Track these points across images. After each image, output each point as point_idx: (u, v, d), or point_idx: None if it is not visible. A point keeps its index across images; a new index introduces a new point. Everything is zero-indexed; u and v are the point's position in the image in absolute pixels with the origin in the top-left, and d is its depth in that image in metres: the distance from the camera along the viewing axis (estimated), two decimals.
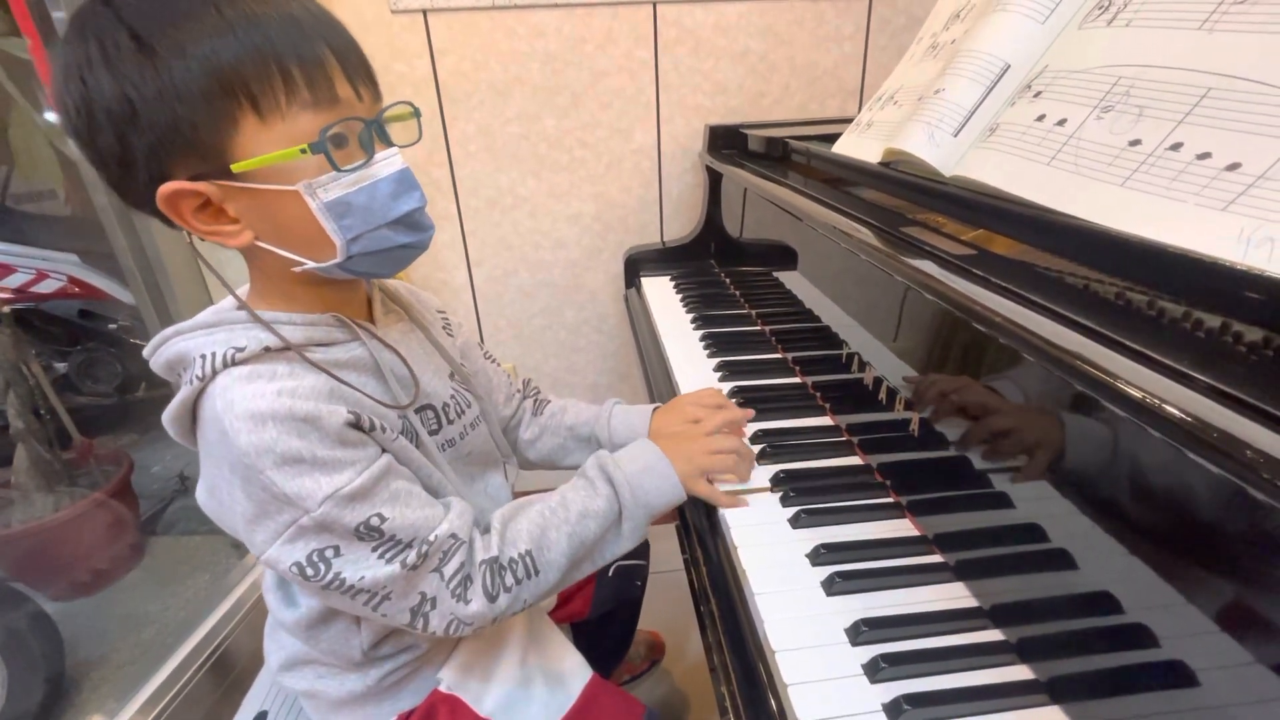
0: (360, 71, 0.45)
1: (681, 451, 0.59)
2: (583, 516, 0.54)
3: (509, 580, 0.51)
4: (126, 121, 0.40)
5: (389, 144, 0.47)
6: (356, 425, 0.46)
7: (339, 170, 0.44)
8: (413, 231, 0.48)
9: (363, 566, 0.45)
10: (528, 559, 0.52)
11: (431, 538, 0.47)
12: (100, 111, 0.40)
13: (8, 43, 1.25)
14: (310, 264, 0.46)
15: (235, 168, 0.42)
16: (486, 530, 0.53)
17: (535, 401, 0.74)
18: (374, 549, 0.46)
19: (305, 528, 0.44)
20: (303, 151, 0.42)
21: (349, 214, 0.45)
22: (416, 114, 0.49)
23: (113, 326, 1.78)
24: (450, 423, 0.58)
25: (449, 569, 0.48)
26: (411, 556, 0.46)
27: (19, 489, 1.25)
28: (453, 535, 0.49)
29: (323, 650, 0.55)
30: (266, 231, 0.45)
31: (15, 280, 1.65)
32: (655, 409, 0.70)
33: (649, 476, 0.57)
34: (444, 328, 0.64)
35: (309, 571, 0.44)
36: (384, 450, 0.48)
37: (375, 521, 0.45)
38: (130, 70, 0.39)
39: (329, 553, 0.45)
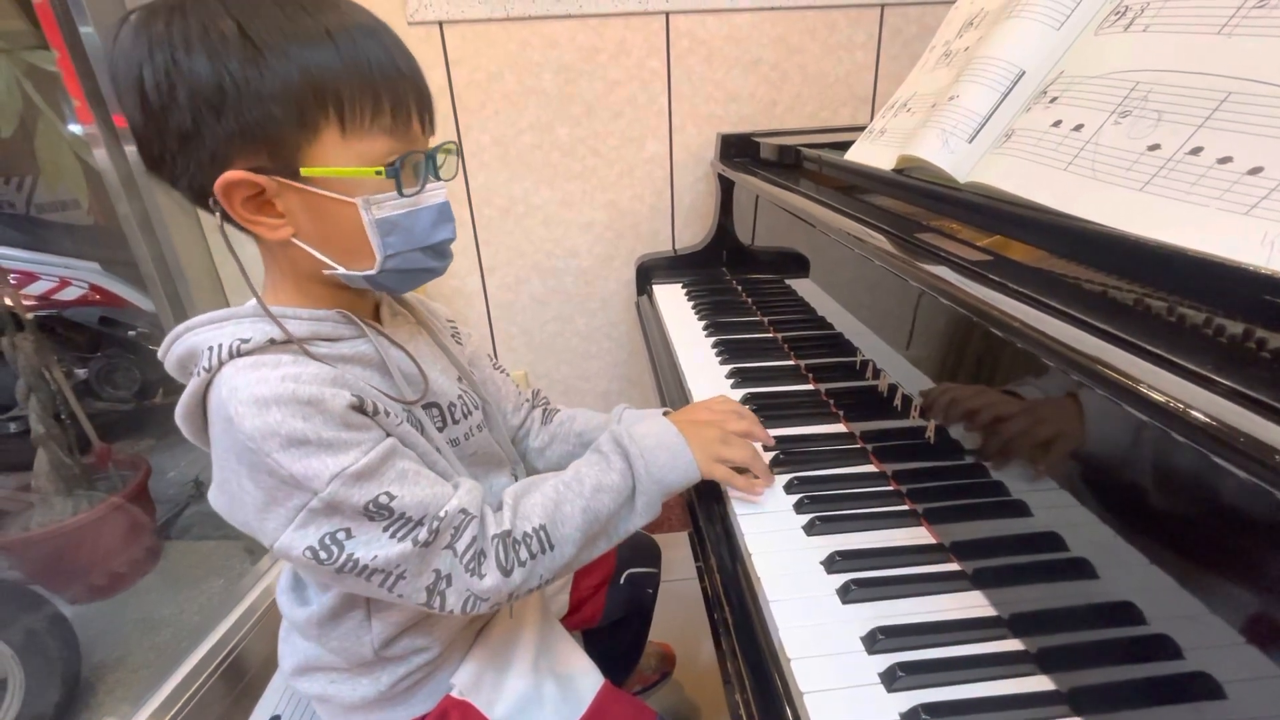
0: (428, 110, 0.49)
1: (698, 434, 0.58)
2: (597, 491, 0.54)
3: (523, 555, 0.51)
4: (211, 107, 0.42)
5: (438, 178, 0.50)
6: (360, 409, 0.47)
7: (403, 195, 0.47)
8: (439, 259, 0.52)
9: (375, 546, 0.45)
10: (542, 533, 0.52)
11: (442, 514, 0.47)
12: (184, 90, 0.41)
13: (35, 55, 1.29)
14: (341, 270, 0.48)
15: (305, 172, 0.44)
16: (499, 507, 0.53)
17: (544, 411, 0.74)
18: (385, 528, 0.46)
19: (315, 510, 0.44)
20: (378, 173, 0.45)
21: (394, 233, 0.48)
22: (460, 153, 0.52)
23: (132, 333, 1.82)
24: (456, 422, 0.58)
25: (461, 544, 0.49)
26: (423, 534, 0.46)
27: (39, 492, 1.27)
28: (463, 510, 0.49)
29: (334, 649, 0.55)
30: (309, 232, 0.47)
31: (39, 287, 1.68)
32: (665, 412, 0.70)
33: (664, 452, 0.56)
34: (453, 335, 0.65)
35: (322, 555, 0.45)
36: (388, 434, 0.49)
37: (384, 500, 0.45)
38: (233, 62, 0.41)
39: (340, 535, 0.45)
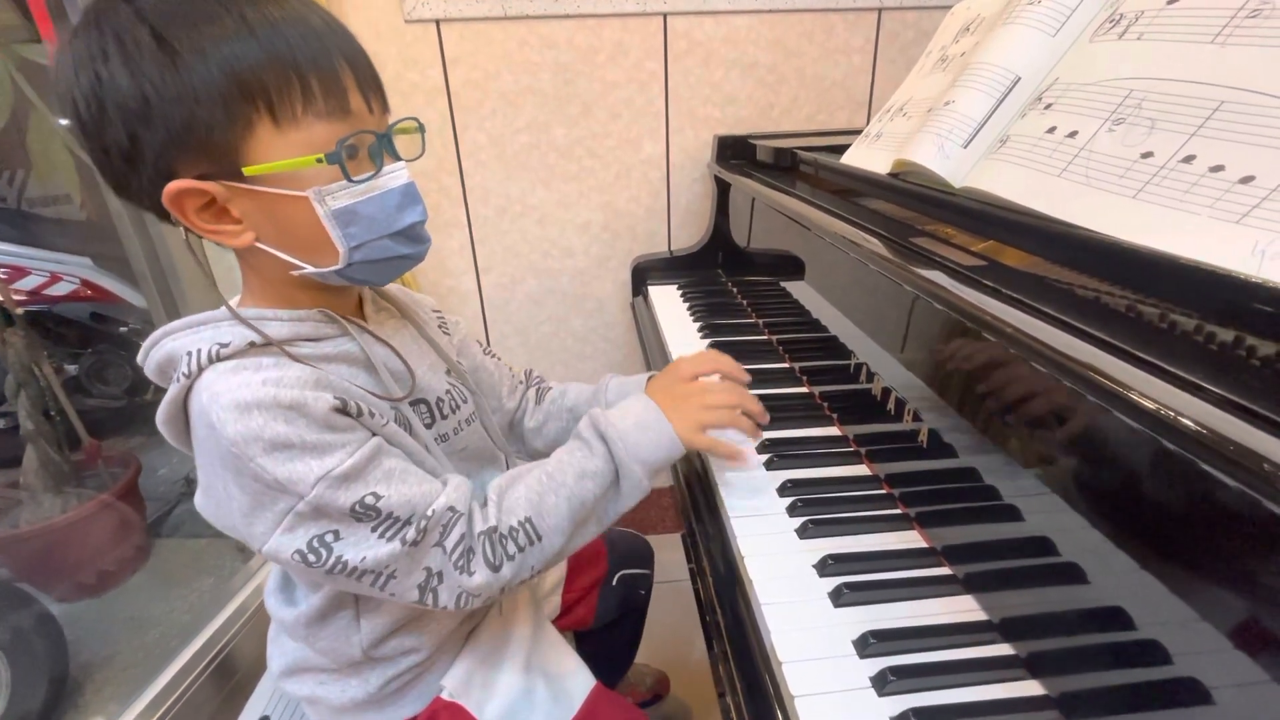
0: (372, 85, 0.46)
1: (679, 407, 0.58)
2: (580, 478, 0.53)
3: (511, 549, 0.50)
4: (139, 118, 0.41)
5: (396, 158, 0.48)
6: (343, 410, 0.46)
7: (351, 180, 0.45)
8: (412, 244, 0.49)
9: (364, 547, 0.45)
10: (528, 526, 0.51)
11: (429, 512, 0.47)
12: (112, 106, 0.41)
13: (28, 49, 1.28)
14: (309, 268, 0.47)
15: (248, 171, 0.43)
16: (484, 503, 0.52)
17: (538, 391, 0.74)
18: (373, 529, 0.45)
19: (302, 514, 0.44)
20: (319, 160, 0.43)
21: (354, 223, 0.46)
22: (421, 130, 0.51)
23: (124, 330, 1.80)
24: (444, 417, 0.57)
25: (450, 542, 0.48)
26: (411, 533, 0.46)
27: (28, 490, 1.25)
28: (450, 508, 0.48)
29: (322, 650, 0.55)
30: (269, 234, 0.46)
31: (29, 283, 1.67)
32: (651, 376, 0.69)
33: (643, 432, 0.55)
34: (440, 326, 0.64)
35: (311, 558, 0.44)
36: (374, 434, 0.48)
37: (371, 500, 0.45)
38: (149, 69, 0.40)
39: (328, 537, 0.45)
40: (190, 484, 1.59)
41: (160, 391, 0.47)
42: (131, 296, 1.71)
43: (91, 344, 1.80)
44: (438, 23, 1.16)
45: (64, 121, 1.33)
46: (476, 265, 1.35)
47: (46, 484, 1.26)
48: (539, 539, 0.51)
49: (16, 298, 1.61)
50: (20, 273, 1.66)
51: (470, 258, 1.34)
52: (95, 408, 1.77)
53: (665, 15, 1.18)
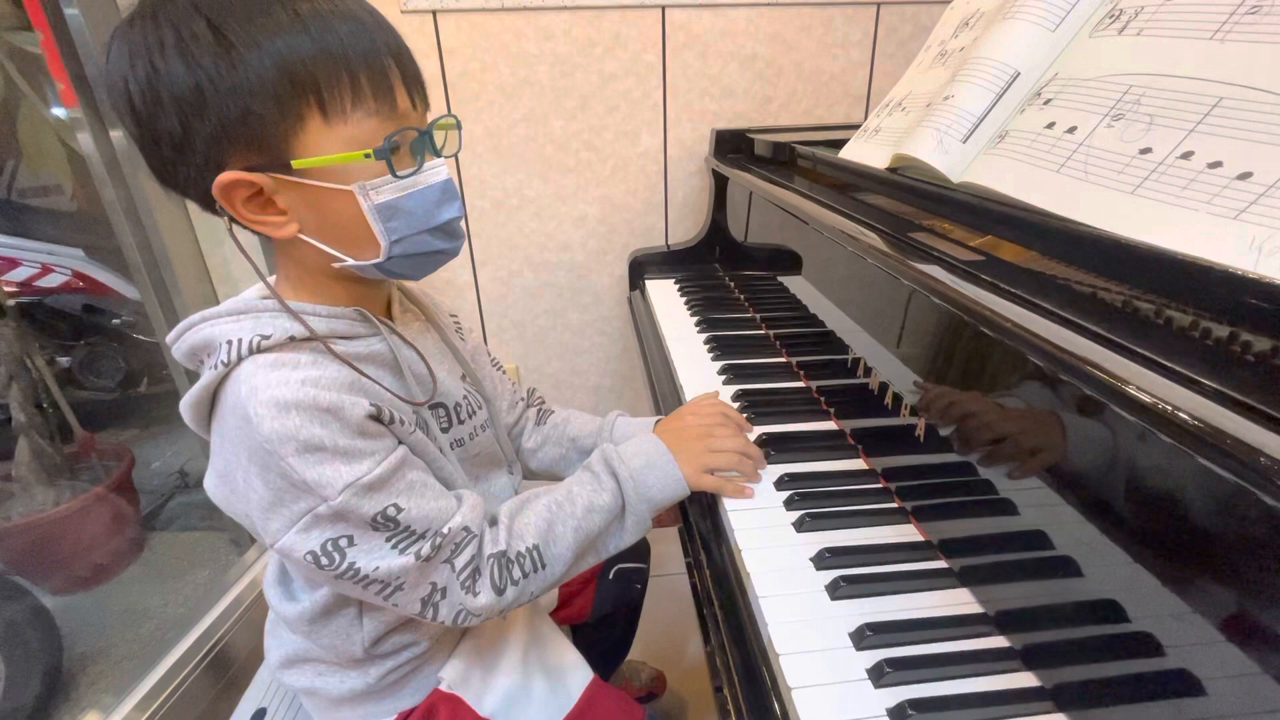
0: (416, 84, 0.47)
1: (686, 448, 0.59)
2: (589, 511, 0.54)
3: (516, 574, 0.51)
4: (193, 109, 0.41)
5: (436, 154, 0.49)
6: (377, 418, 0.47)
7: (396, 176, 0.45)
8: (449, 239, 0.50)
9: (377, 557, 0.46)
10: (535, 553, 0.52)
11: (445, 530, 0.48)
12: (167, 96, 0.41)
13: (18, 37, 1.26)
14: (350, 261, 0.47)
15: (296, 164, 0.43)
16: (494, 522, 0.53)
17: (539, 411, 0.74)
18: (388, 539, 0.46)
19: (322, 516, 0.44)
20: (366, 156, 0.44)
21: (396, 217, 0.47)
22: (458, 126, 0.51)
23: (116, 321, 1.79)
24: (460, 422, 0.58)
25: (460, 561, 0.49)
26: (425, 548, 0.47)
27: (20, 482, 1.25)
28: (465, 528, 0.49)
29: (324, 646, 0.55)
30: (312, 226, 0.46)
31: (20, 274, 1.65)
32: (657, 420, 0.70)
33: (653, 472, 0.57)
34: (456, 330, 0.65)
35: (323, 561, 0.45)
36: (400, 442, 0.49)
37: (392, 512, 0.46)
38: (206, 61, 0.40)
39: (343, 542, 0.45)
40: (185, 477, 1.58)
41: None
42: (124, 288, 1.70)
43: (84, 336, 1.78)
44: (434, 13, 1.15)
45: (58, 111, 1.31)
46: (473, 258, 1.34)
47: (39, 476, 1.25)
48: (543, 566, 0.52)
49: (7, 289, 1.60)
50: (11, 264, 1.65)
51: (467, 250, 1.33)
52: (88, 400, 1.76)
53: (664, 7, 1.18)
